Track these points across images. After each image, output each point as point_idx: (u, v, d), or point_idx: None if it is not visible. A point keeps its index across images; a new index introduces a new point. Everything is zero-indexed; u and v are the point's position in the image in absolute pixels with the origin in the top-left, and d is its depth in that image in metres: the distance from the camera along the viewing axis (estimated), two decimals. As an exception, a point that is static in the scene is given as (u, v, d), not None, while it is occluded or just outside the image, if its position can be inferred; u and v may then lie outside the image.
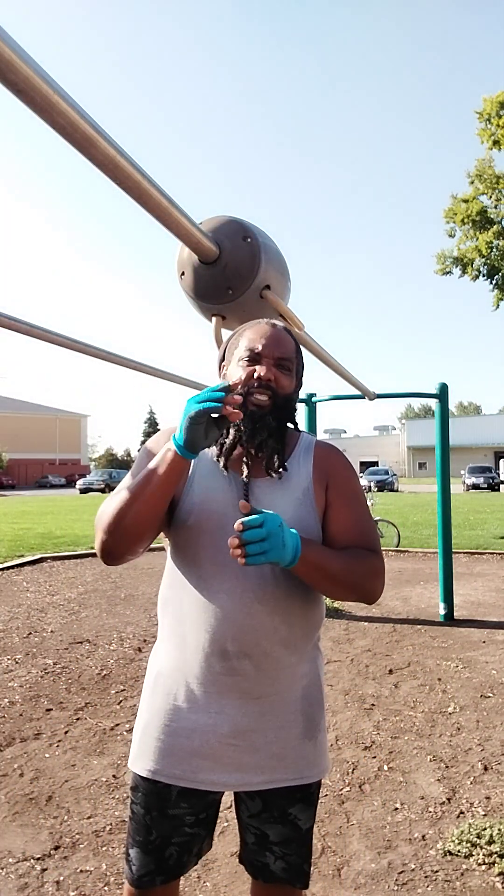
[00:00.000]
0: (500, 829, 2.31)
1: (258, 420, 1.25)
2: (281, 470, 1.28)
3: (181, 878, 1.36)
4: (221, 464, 1.28)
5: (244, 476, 1.26)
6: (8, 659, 4.53)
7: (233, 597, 1.22)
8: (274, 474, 1.27)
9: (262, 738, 1.26)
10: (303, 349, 2.45)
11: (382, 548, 9.22)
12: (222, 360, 1.39)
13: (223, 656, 1.23)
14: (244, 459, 1.26)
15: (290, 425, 1.35)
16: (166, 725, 1.28)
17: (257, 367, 1.28)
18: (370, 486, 33.23)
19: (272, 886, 1.33)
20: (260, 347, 1.29)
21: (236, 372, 1.29)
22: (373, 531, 1.34)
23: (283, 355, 1.31)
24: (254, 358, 1.29)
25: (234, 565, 1.21)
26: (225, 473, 1.28)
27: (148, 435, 77.62)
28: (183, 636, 1.28)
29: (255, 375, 1.27)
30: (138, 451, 1.45)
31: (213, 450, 1.31)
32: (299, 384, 1.40)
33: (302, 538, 1.17)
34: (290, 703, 1.29)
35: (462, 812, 2.49)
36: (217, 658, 1.24)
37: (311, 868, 1.40)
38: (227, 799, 2.58)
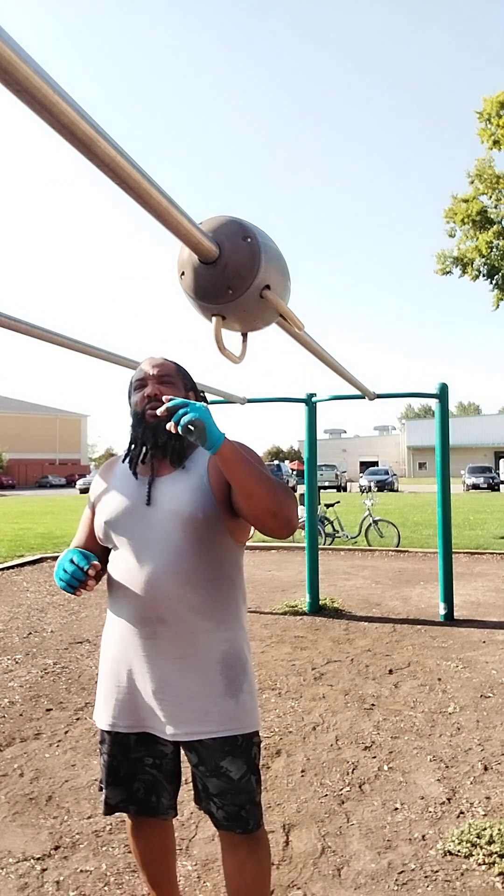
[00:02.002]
0: (500, 829, 2.31)
1: (157, 429, 1.55)
2: (179, 465, 1.59)
3: (176, 840, 1.62)
4: (132, 471, 1.61)
5: (148, 474, 1.58)
6: (8, 659, 4.53)
7: (147, 572, 1.51)
8: (176, 466, 1.58)
9: (186, 693, 1.50)
10: (302, 349, 2.44)
11: (382, 548, 9.20)
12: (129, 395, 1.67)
13: (144, 622, 1.52)
14: (152, 463, 1.58)
15: None
16: (115, 686, 1.57)
17: (145, 389, 1.61)
18: (370, 486, 33.23)
19: (223, 833, 1.60)
20: (142, 375, 1.63)
21: (134, 401, 1.62)
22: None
23: (163, 373, 1.63)
24: (142, 383, 1.62)
25: (146, 547, 1.52)
26: (136, 479, 1.61)
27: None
28: (118, 611, 1.58)
29: (144, 395, 1.60)
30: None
31: (126, 465, 1.63)
32: (194, 392, 1.71)
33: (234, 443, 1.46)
34: (209, 664, 1.52)
35: (462, 812, 2.49)
36: (140, 624, 1.52)
37: (258, 810, 1.57)
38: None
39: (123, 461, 1.67)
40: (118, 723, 1.57)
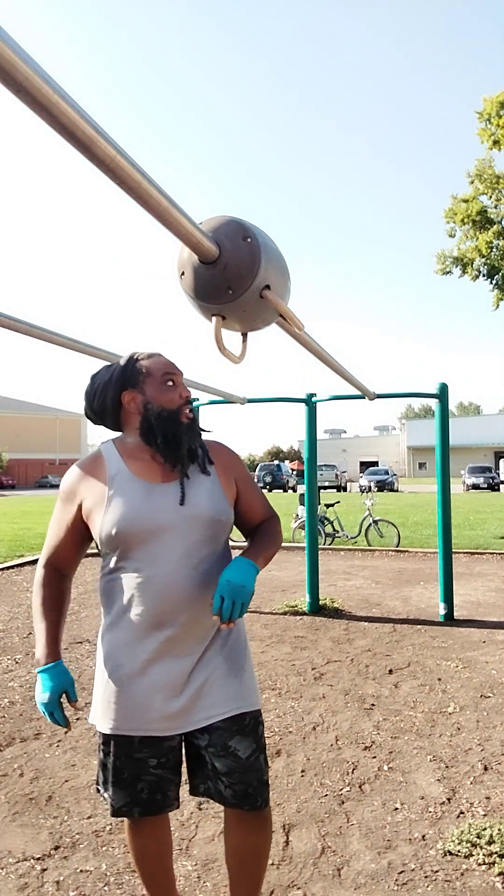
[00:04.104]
0: (500, 829, 2.31)
1: (192, 430, 1.60)
2: (206, 466, 1.64)
3: (172, 835, 1.65)
4: (150, 470, 1.59)
5: (171, 478, 1.59)
6: (8, 659, 4.53)
7: (166, 575, 1.52)
8: (203, 470, 1.62)
9: (196, 685, 1.55)
10: (302, 349, 2.44)
11: (382, 548, 9.19)
12: (123, 386, 1.60)
13: (159, 626, 1.53)
14: (173, 464, 1.58)
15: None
16: (120, 690, 1.55)
17: (179, 389, 1.62)
18: (370, 486, 33.22)
19: (231, 811, 1.64)
20: (170, 369, 1.63)
21: (163, 393, 1.59)
22: (265, 498, 1.79)
23: (182, 377, 1.67)
24: (174, 380, 1.62)
25: (167, 550, 1.53)
26: (152, 479, 1.58)
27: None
28: (123, 618, 1.56)
29: (180, 395, 1.61)
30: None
31: (122, 464, 1.60)
32: None
33: (249, 555, 1.56)
34: (214, 654, 1.58)
35: (462, 812, 2.49)
36: (154, 628, 1.53)
37: (266, 788, 1.62)
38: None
39: (163, 459, 1.59)
40: (122, 726, 1.55)
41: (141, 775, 1.59)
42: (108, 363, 1.72)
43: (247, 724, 1.59)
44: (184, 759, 1.67)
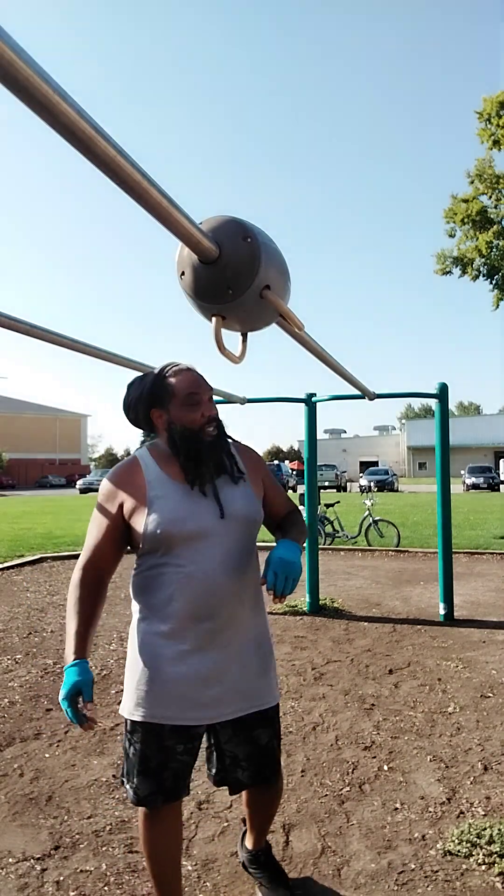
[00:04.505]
0: (500, 829, 2.31)
1: (215, 446, 1.70)
2: (237, 474, 1.75)
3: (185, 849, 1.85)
4: (185, 478, 1.68)
5: (205, 486, 1.68)
6: (8, 659, 4.53)
7: (206, 573, 1.63)
8: (234, 479, 1.74)
9: (230, 677, 1.67)
10: (302, 349, 2.44)
11: (382, 548, 9.19)
12: (138, 399, 1.72)
13: (198, 620, 1.63)
14: (193, 481, 1.68)
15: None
16: (153, 679, 1.64)
17: (201, 407, 1.69)
18: (370, 486, 33.22)
19: (249, 789, 1.83)
20: (199, 389, 1.71)
21: (186, 413, 1.68)
22: (285, 493, 1.95)
23: (210, 392, 1.75)
24: (197, 400, 1.69)
25: (207, 550, 1.64)
26: (178, 486, 1.68)
27: (148, 435, 77.62)
28: (164, 611, 1.64)
29: (203, 414, 1.69)
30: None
31: (158, 469, 1.70)
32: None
33: (290, 539, 1.68)
34: (247, 648, 1.71)
35: (462, 812, 2.49)
36: (193, 622, 1.63)
37: (278, 766, 1.84)
38: (227, 800, 2.58)
39: (186, 473, 1.69)
40: (155, 714, 1.63)
41: (168, 763, 1.66)
42: (141, 374, 1.82)
43: (269, 716, 1.76)
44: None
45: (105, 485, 1.73)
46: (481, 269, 16.70)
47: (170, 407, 1.69)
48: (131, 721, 1.68)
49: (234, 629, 1.68)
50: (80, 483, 40.15)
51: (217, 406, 1.80)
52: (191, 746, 1.69)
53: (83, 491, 38.16)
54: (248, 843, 2.06)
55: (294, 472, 37.27)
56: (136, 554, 1.73)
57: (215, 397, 5.56)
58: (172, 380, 1.70)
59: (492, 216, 16.39)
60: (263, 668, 1.75)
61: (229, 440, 1.80)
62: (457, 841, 2.26)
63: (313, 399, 6.11)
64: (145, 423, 1.75)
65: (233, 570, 1.66)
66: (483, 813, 2.48)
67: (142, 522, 1.64)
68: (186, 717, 1.63)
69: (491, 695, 3.71)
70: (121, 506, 1.68)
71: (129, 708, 1.67)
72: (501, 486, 35.77)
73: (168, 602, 1.64)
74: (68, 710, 1.50)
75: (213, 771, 1.80)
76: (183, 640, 1.63)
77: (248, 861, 2.07)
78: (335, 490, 35.77)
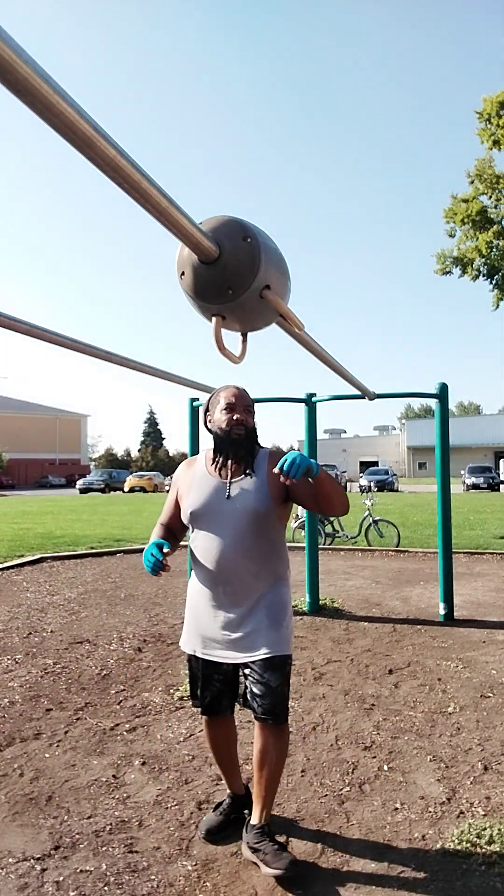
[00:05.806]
0: (500, 829, 2.31)
1: (238, 444, 2.18)
2: (249, 471, 2.19)
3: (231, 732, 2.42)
4: (215, 470, 2.23)
5: (227, 477, 2.21)
6: (8, 659, 4.53)
7: (221, 548, 2.15)
8: (245, 474, 2.20)
9: (244, 629, 2.15)
10: (302, 349, 2.45)
11: (382, 548, 9.17)
12: (207, 410, 2.29)
13: (217, 583, 2.18)
14: (230, 468, 2.21)
15: (256, 446, 2.26)
16: (194, 624, 2.26)
17: (234, 413, 2.20)
18: (370, 486, 33.22)
19: (260, 724, 2.16)
20: (234, 400, 2.22)
21: (220, 417, 2.21)
22: None
23: (247, 404, 2.25)
24: (231, 408, 2.20)
25: (222, 530, 2.15)
26: (215, 477, 2.23)
27: (148, 435, 78.79)
28: (199, 573, 2.24)
29: (235, 418, 2.19)
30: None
31: (204, 466, 2.28)
32: (253, 410, 2.30)
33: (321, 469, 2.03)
34: (259, 609, 2.17)
35: (462, 812, 2.49)
36: (214, 585, 2.19)
37: (286, 710, 2.19)
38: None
39: (213, 462, 2.22)
40: (196, 648, 2.24)
41: (207, 686, 2.26)
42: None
43: (277, 663, 2.13)
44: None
45: (176, 471, 2.39)
46: (481, 269, 16.72)
47: (213, 411, 2.24)
48: (185, 652, 2.30)
49: (243, 594, 2.15)
50: (80, 483, 40.17)
51: (253, 418, 2.26)
52: (222, 678, 2.24)
53: (83, 491, 38.18)
54: (254, 819, 2.22)
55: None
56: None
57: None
58: (220, 394, 2.24)
59: (492, 216, 16.40)
60: (274, 624, 2.15)
61: (259, 447, 2.25)
62: (457, 841, 2.26)
63: (313, 399, 6.11)
64: (206, 427, 2.27)
65: (239, 547, 2.13)
66: (483, 813, 2.48)
67: (185, 504, 2.24)
68: (213, 654, 2.19)
69: (491, 695, 3.71)
70: (178, 489, 2.32)
71: (182, 642, 2.32)
72: (501, 486, 35.76)
73: (200, 566, 2.22)
74: (149, 555, 2.03)
75: (241, 697, 2.25)
76: (211, 597, 2.19)
77: (253, 839, 2.18)
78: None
